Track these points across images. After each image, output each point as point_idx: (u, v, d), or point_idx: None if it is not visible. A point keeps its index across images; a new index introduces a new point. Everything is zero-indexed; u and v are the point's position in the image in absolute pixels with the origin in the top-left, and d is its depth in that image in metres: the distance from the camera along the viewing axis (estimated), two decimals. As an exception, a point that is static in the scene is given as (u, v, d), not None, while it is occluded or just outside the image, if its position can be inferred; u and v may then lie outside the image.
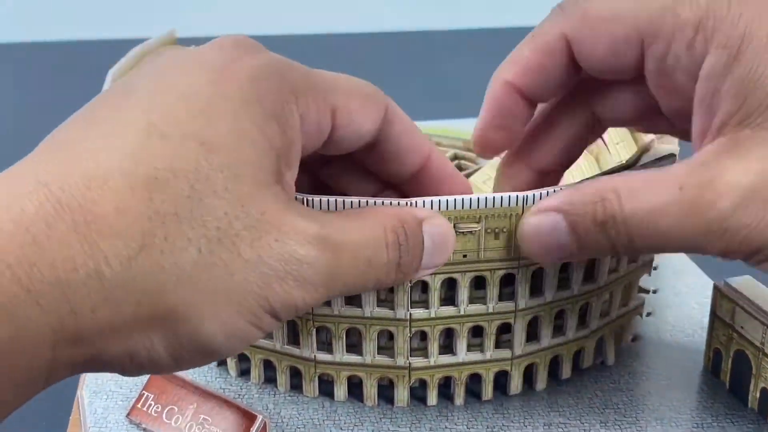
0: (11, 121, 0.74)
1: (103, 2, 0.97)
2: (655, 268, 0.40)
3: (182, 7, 0.97)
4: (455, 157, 0.53)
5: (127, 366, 0.25)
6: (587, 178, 0.31)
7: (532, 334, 0.36)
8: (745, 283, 0.37)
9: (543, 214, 0.31)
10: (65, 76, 0.85)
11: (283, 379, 0.37)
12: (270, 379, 0.38)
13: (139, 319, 0.24)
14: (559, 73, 0.32)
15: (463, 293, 0.34)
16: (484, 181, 0.48)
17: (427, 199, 0.31)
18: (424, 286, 0.34)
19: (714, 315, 0.38)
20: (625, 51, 0.30)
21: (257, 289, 0.25)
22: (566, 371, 0.38)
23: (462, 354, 0.35)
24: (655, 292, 0.42)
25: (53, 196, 0.23)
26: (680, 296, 0.44)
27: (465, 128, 0.49)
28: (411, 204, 0.31)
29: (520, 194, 0.31)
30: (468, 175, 0.50)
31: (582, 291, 0.36)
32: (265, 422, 0.33)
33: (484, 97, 0.33)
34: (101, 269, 0.23)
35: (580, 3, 0.31)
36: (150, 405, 0.34)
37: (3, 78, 0.86)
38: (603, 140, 0.44)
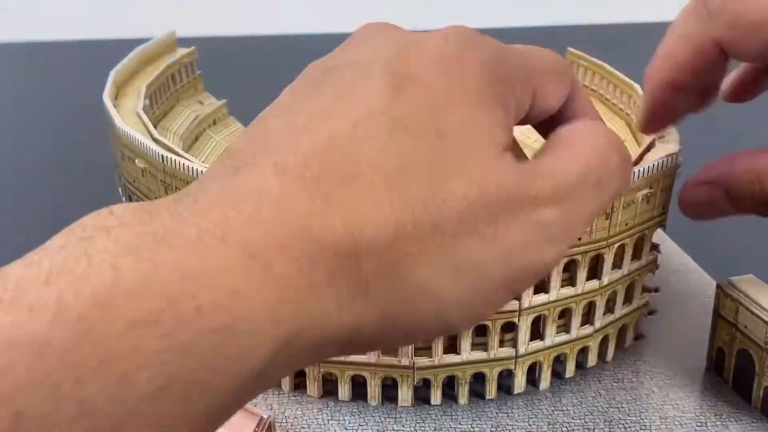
0: (11, 121, 0.74)
1: (103, 2, 0.97)
2: (656, 267, 0.40)
3: (182, 7, 0.97)
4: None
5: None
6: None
7: (535, 333, 0.36)
8: (748, 281, 0.37)
9: (704, 186, 0.34)
10: (65, 76, 0.85)
11: (287, 378, 0.37)
12: (274, 379, 0.38)
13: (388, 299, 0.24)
14: (713, 68, 0.34)
15: (467, 292, 0.34)
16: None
17: None
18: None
19: (717, 314, 0.38)
20: None
21: (501, 271, 0.25)
22: (570, 370, 0.38)
23: (466, 353, 0.35)
24: (657, 290, 0.42)
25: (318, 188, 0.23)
26: (683, 295, 0.44)
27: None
28: None
29: None
30: None
31: (587, 289, 0.36)
32: (270, 422, 0.33)
33: (645, 95, 0.35)
34: (360, 260, 0.23)
35: (729, 8, 0.32)
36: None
37: (3, 78, 0.85)
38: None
